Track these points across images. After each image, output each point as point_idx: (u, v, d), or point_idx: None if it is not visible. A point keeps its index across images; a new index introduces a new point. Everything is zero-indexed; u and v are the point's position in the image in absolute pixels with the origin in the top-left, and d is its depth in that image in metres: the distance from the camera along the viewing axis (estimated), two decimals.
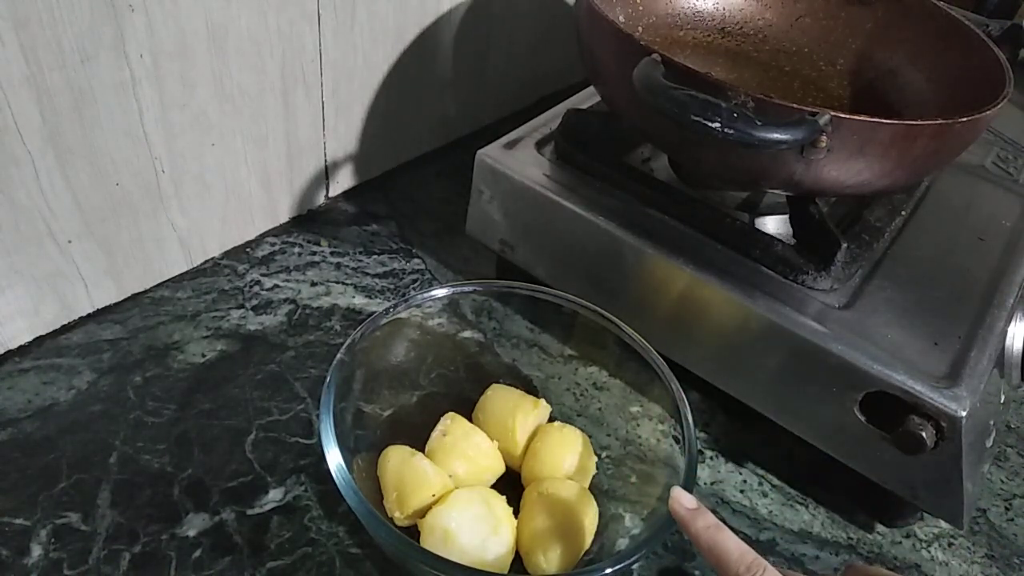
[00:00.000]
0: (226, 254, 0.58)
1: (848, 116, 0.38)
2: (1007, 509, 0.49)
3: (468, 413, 0.45)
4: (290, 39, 0.52)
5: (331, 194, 0.64)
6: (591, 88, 0.62)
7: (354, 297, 0.56)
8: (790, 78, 0.60)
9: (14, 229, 0.44)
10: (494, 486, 0.43)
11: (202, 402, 0.47)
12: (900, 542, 0.46)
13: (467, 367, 0.48)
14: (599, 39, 0.46)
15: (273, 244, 0.59)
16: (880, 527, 0.47)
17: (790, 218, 0.49)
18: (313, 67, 0.55)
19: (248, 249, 0.58)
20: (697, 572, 0.43)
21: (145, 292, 0.53)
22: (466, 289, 0.46)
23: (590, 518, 0.41)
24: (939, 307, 0.45)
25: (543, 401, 0.46)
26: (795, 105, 0.38)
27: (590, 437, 0.45)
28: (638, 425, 0.45)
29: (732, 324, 0.45)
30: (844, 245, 0.44)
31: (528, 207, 0.51)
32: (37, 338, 0.49)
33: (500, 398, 0.46)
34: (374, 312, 0.45)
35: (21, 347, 0.48)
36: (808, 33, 0.61)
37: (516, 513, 0.41)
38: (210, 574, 0.39)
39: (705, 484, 0.48)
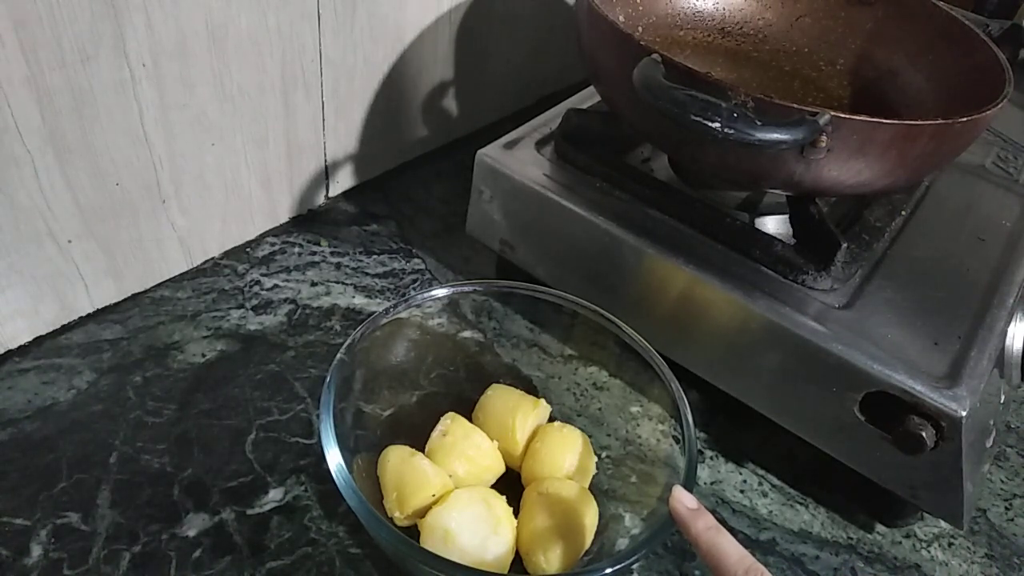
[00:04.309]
0: (226, 254, 0.58)
1: (848, 116, 0.38)
2: (1007, 509, 0.49)
3: (468, 413, 0.45)
4: (290, 39, 0.52)
5: (331, 194, 0.64)
6: (591, 88, 0.62)
7: (354, 297, 0.56)
8: (790, 78, 0.60)
9: (14, 229, 0.44)
10: (494, 486, 0.43)
11: (202, 402, 0.47)
12: (900, 542, 0.46)
13: (467, 367, 0.48)
14: (599, 39, 0.46)
15: (273, 244, 0.59)
16: (880, 527, 0.47)
17: (790, 218, 0.49)
18: (313, 67, 0.55)
19: (248, 249, 0.58)
20: (697, 573, 0.43)
21: (145, 292, 0.53)
22: (466, 289, 0.46)
23: (590, 518, 0.41)
24: (939, 307, 0.45)
25: (543, 401, 0.46)
26: (795, 105, 0.38)
27: (590, 437, 0.45)
28: (638, 425, 0.45)
29: (732, 324, 0.45)
30: (844, 245, 0.44)
31: (528, 207, 0.51)
32: (37, 338, 0.49)
33: (500, 398, 0.46)
34: (374, 312, 0.45)
35: (21, 347, 0.48)
36: (808, 33, 0.61)
37: (516, 513, 0.41)
38: (210, 574, 0.39)
39: (705, 484, 0.48)
